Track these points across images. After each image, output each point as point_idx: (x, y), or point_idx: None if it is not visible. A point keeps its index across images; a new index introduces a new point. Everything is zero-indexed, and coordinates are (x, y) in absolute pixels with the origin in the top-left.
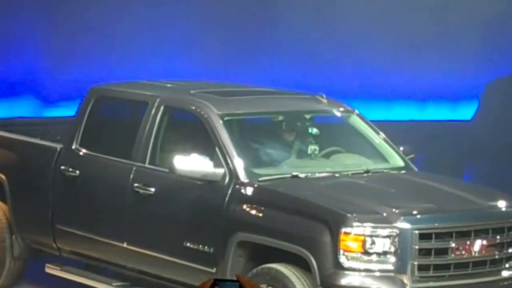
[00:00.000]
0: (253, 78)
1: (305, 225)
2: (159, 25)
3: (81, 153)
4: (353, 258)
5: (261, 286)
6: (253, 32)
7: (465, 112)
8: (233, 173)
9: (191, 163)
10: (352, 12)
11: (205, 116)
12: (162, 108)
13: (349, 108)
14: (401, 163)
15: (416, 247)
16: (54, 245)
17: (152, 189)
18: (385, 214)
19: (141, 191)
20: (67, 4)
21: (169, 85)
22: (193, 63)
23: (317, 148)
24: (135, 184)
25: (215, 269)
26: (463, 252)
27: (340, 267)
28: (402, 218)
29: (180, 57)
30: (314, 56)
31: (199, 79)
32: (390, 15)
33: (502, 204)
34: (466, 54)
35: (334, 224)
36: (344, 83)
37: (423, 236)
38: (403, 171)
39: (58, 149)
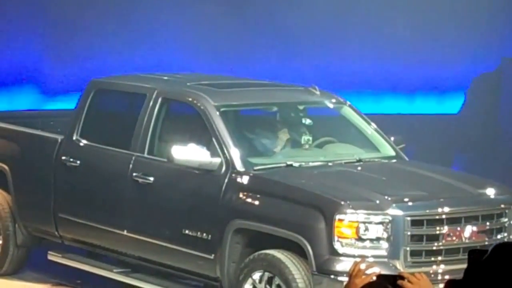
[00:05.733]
0: (244, 71)
1: (300, 212)
2: (158, 19)
3: (81, 144)
4: (347, 244)
5: (258, 271)
6: (245, 26)
7: (453, 105)
8: (229, 163)
9: (188, 153)
10: (341, 4)
11: (202, 107)
12: (160, 100)
13: (341, 100)
14: (392, 153)
15: (408, 233)
16: (56, 233)
17: (151, 178)
18: (377, 202)
19: (140, 180)
20: None
21: (166, 78)
22: (193, 57)
23: (310, 138)
24: (134, 174)
25: (213, 255)
26: (454, 238)
27: (334, 253)
28: (394, 205)
29: (178, 50)
30: (303, 48)
31: (195, 72)
32: (379, 8)
33: (491, 191)
34: (455, 48)
35: (328, 211)
36: (333, 75)
37: (415, 223)
38: (394, 160)
39: (59, 140)
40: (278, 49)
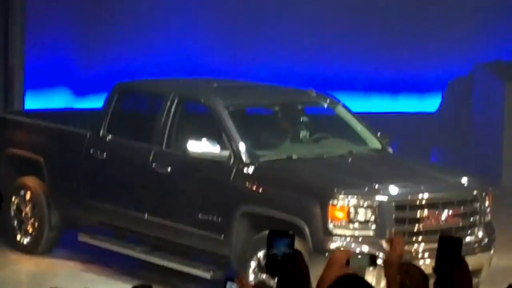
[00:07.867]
0: (248, 70)
1: (299, 198)
2: (182, 22)
3: (107, 139)
4: (339, 226)
5: (262, 250)
6: (248, 27)
7: (431, 104)
8: (237, 155)
9: (201, 146)
10: (327, 7)
11: (213, 106)
12: (176, 100)
13: (335, 100)
14: (379, 146)
15: (393, 216)
16: (85, 216)
17: (169, 169)
18: (366, 189)
19: (159, 170)
20: (98, 1)
21: (182, 81)
22: (212, 58)
23: (307, 134)
24: (154, 164)
25: (222, 236)
26: (433, 221)
27: (329, 233)
28: (381, 191)
29: (199, 50)
30: (297, 49)
31: (213, 75)
32: (366, 17)
33: (464, 180)
34: (434, 54)
35: (323, 197)
36: (328, 77)
37: (399, 207)
38: (380, 153)
39: (88, 135)
40: (276, 54)
